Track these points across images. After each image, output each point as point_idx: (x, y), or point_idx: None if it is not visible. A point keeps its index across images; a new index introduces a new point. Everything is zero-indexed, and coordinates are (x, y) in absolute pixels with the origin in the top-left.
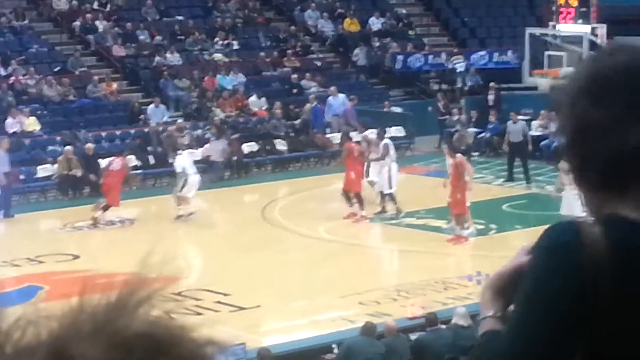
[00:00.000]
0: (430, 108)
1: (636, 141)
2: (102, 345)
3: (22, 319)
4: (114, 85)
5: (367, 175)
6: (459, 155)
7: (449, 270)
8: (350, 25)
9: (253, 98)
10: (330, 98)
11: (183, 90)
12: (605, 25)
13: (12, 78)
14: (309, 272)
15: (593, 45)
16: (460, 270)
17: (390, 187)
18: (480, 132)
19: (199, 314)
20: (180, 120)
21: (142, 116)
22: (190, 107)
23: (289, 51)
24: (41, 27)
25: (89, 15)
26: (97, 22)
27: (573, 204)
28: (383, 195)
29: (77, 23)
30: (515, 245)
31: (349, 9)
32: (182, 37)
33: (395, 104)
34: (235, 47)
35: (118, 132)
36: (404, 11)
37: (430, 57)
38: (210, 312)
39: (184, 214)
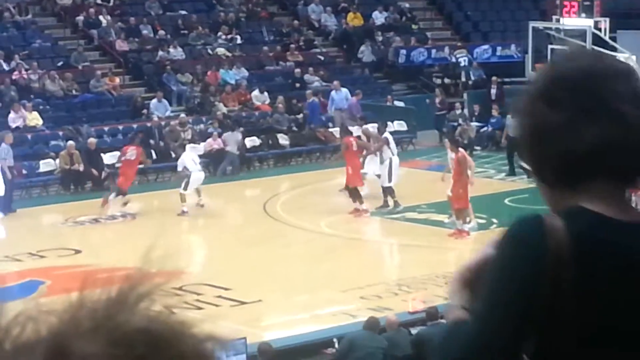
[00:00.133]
0: (427, 101)
1: (590, 141)
2: (102, 341)
3: (22, 315)
4: (117, 80)
5: (363, 167)
6: (461, 149)
7: (451, 265)
8: (354, 19)
9: (256, 92)
10: (333, 92)
11: (186, 85)
12: (608, 19)
13: (15, 73)
14: (310, 267)
15: (596, 39)
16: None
17: (390, 181)
18: (482, 126)
19: (200, 308)
20: (183, 115)
21: (144, 111)
22: (193, 102)
23: (292, 45)
24: (44, 21)
25: (92, 10)
26: (100, 17)
27: None
28: (384, 189)
29: (81, 18)
30: None
31: (352, 3)
32: (185, 32)
33: (398, 98)
34: (239, 41)
35: (121, 127)
36: (407, 5)
37: (434, 51)
38: (211, 307)
39: (187, 211)
